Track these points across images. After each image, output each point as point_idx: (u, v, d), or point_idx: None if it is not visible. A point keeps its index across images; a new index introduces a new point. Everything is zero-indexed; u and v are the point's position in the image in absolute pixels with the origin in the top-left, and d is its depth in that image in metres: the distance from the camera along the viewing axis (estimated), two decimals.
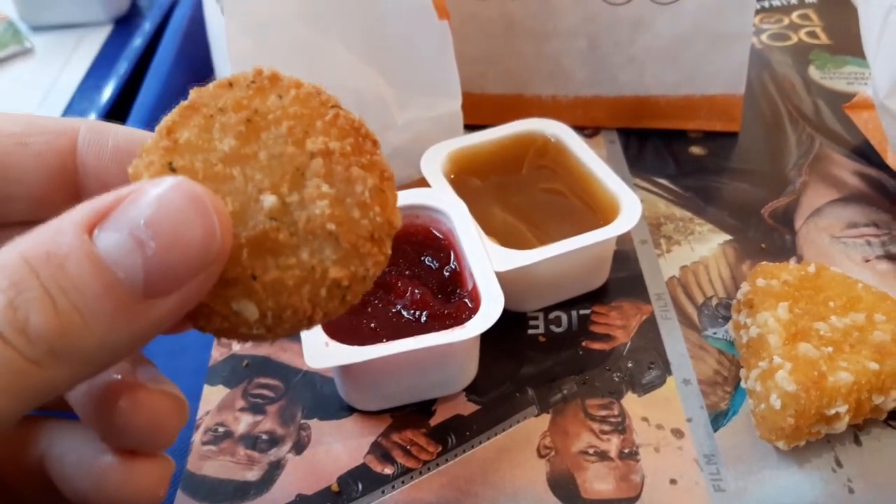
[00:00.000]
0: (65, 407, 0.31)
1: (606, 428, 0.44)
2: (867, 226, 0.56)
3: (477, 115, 0.60)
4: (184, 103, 0.28)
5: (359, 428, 0.45)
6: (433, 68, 0.54)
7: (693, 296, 0.52)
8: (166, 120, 0.27)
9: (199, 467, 0.43)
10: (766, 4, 0.84)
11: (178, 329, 0.30)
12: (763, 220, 0.57)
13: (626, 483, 0.42)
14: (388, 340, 0.42)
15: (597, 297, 0.52)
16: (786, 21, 0.81)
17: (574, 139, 0.54)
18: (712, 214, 0.58)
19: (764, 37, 0.78)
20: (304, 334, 0.41)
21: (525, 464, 0.43)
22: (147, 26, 0.85)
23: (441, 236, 0.49)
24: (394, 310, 0.45)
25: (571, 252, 0.46)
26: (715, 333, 0.49)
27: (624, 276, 0.53)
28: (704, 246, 0.56)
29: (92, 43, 0.86)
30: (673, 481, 0.42)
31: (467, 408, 0.46)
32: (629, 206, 0.49)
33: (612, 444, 0.44)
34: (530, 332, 0.50)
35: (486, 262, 0.45)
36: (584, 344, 0.49)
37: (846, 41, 0.76)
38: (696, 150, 0.65)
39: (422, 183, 0.51)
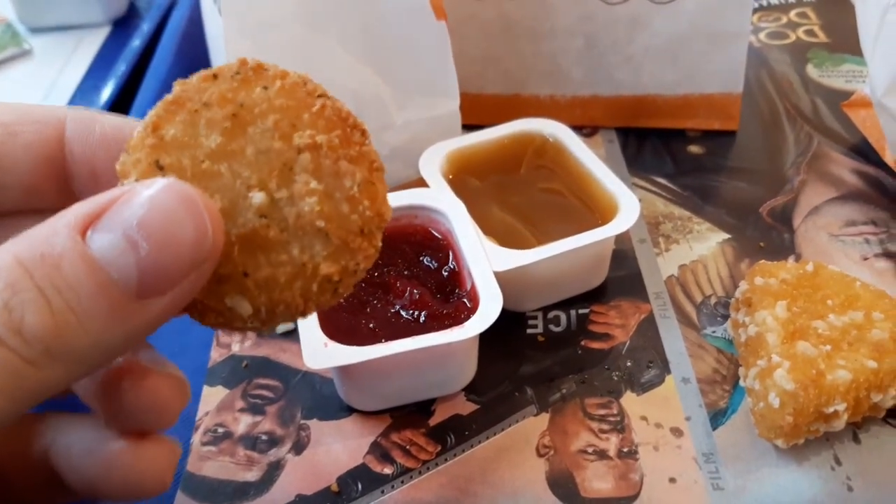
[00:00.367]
0: (66, 394, 0.31)
1: (605, 427, 0.44)
2: (865, 224, 0.56)
3: (475, 115, 0.60)
4: (168, 97, 0.27)
5: (358, 428, 0.45)
6: (431, 68, 0.54)
7: (692, 294, 0.52)
8: (151, 115, 0.27)
9: (198, 468, 0.44)
10: (765, 3, 0.84)
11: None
12: (761, 219, 0.57)
13: (626, 482, 0.42)
14: (386, 341, 0.42)
15: (595, 296, 0.52)
16: (784, 19, 0.81)
17: (572, 139, 0.54)
18: (711, 213, 0.58)
19: (762, 35, 0.78)
20: (304, 335, 0.42)
21: (524, 463, 0.43)
22: (145, 27, 0.85)
23: (440, 236, 0.49)
24: (392, 310, 0.45)
25: (570, 251, 0.47)
26: (714, 332, 0.49)
27: (622, 276, 0.53)
28: (703, 245, 0.56)
29: (90, 44, 0.86)
30: (672, 480, 0.42)
31: (466, 407, 0.46)
32: (627, 205, 0.49)
33: (611, 443, 0.44)
34: (529, 331, 0.50)
35: (485, 261, 0.45)
36: (582, 343, 0.49)
37: (844, 39, 0.76)
38: (694, 148, 0.65)
39: (420, 183, 0.51)
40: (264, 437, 0.45)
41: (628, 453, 0.43)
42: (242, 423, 0.46)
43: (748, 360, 0.45)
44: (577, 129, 0.57)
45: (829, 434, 0.43)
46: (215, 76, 0.27)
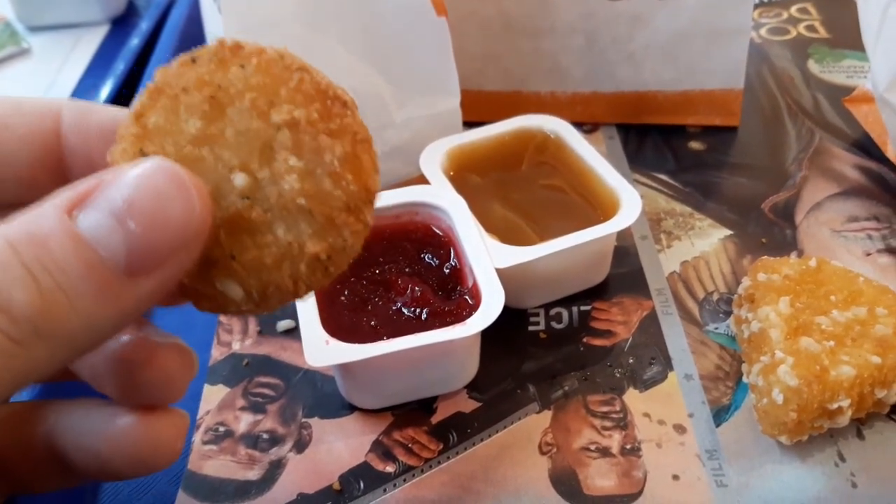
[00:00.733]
0: (67, 377, 0.31)
1: (608, 424, 0.44)
2: (868, 219, 0.56)
3: (476, 112, 0.60)
4: (150, 85, 0.27)
5: (360, 426, 0.45)
6: (431, 66, 0.54)
7: (694, 291, 0.52)
8: (135, 104, 0.27)
9: (199, 467, 0.43)
10: None
11: (171, 304, 0.31)
12: (763, 215, 0.57)
13: (629, 479, 0.42)
14: (388, 338, 0.42)
15: (597, 292, 0.52)
16: (785, 15, 0.81)
17: (573, 135, 0.54)
18: (712, 209, 0.58)
19: (763, 31, 0.78)
20: (305, 333, 0.41)
21: (527, 461, 0.43)
22: (144, 26, 0.85)
23: (441, 233, 0.49)
24: (394, 307, 0.45)
25: (572, 248, 0.46)
26: (716, 328, 0.49)
27: (624, 272, 0.53)
28: (705, 241, 0.55)
29: (89, 43, 0.86)
30: (675, 477, 0.42)
31: (468, 405, 0.46)
32: (629, 201, 0.49)
33: (614, 441, 0.43)
34: (531, 328, 0.50)
35: (487, 258, 0.45)
36: (584, 340, 0.49)
37: (845, 35, 0.76)
38: (695, 145, 0.65)
39: (421, 180, 0.51)
40: (265, 436, 0.45)
41: (631, 450, 0.43)
42: (243, 422, 0.45)
43: (751, 357, 0.44)
44: (578, 125, 0.57)
45: (832, 430, 0.43)
46: (194, 60, 0.27)
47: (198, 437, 0.45)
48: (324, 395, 0.47)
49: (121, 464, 0.30)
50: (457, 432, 0.44)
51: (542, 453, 0.43)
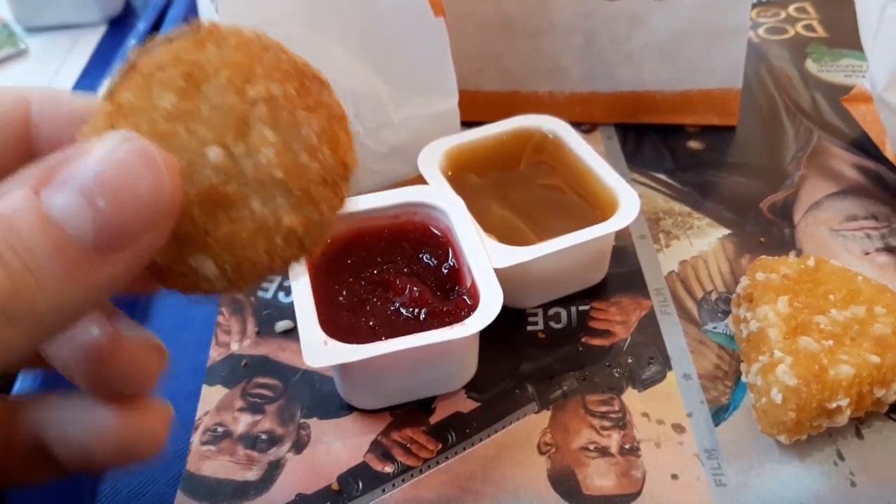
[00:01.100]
0: (41, 364, 0.31)
1: (607, 424, 0.44)
2: (866, 219, 0.56)
3: (474, 112, 0.59)
4: (124, 65, 0.27)
5: (358, 426, 0.45)
6: (429, 66, 0.54)
7: (692, 290, 0.52)
8: (108, 84, 0.26)
9: (198, 467, 0.43)
10: None
11: (143, 288, 0.31)
12: (762, 214, 0.57)
13: (627, 479, 0.42)
14: (386, 338, 0.42)
15: (596, 292, 0.52)
16: (783, 14, 0.81)
17: (572, 135, 0.54)
18: (711, 209, 0.58)
19: (761, 31, 0.78)
20: (303, 333, 0.41)
21: (525, 461, 0.43)
22: (141, 27, 0.84)
23: (439, 233, 0.49)
24: (392, 308, 0.45)
25: (570, 248, 0.46)
26: (715, 328, 0.49)
27: (623, 272, 0.53)
28: (703, 240, 0.55)
29: (87, 44, 0.86)
30: (674, 476, 0.42)
31: (467, 405, 0.46)
32: (627, 201, 0.49)
33: (613, 440, 0.43)
34: (529, 328, 0.50)
35: (485, 258, 0.45)
36: (583, 340, 0.49)
37: (843, 34, 0.76)
38: (693, 144, 0.65)
39: (419, 180, 0.51)
40: (264, 437, 0.45)
41: (630, 450, 0.43)
42: (242, 423, 0.45)
43: (750, 356, 0.44)
44: (577, 125, 0.56)
45: (831, 429, 0.43)
46: (170, 40, 0.27)
47: (196, 438, 0.45)
48: (322, 396, 0.47)
49: (105, 457, 0.30)
50: (455, 432, 0.44)
51: (541, 453, 0.43)
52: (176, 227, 0.25)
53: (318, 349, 0.41)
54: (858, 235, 0.55)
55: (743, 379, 0.46)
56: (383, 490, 0.42)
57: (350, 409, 0.46)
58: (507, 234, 0.48)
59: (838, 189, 0.59)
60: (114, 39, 0.86)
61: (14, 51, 0.84)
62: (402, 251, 0.48)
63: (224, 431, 0.45)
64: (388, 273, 0.47)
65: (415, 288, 0.45)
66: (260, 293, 0.53)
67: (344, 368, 0.44)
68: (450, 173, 0.53)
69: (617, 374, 0.47)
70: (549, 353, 0.48)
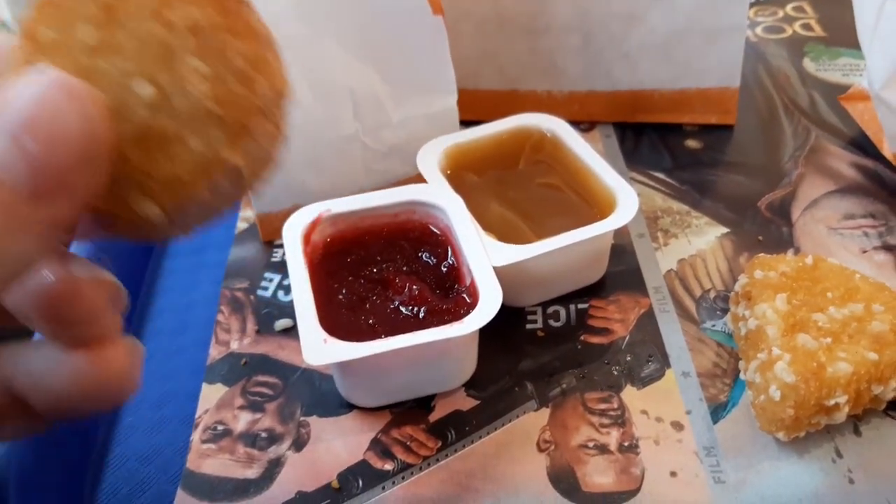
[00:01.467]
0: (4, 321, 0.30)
1: (606, 421, 0.44)
2: (864, 217, 0.56)
3: (472, 111, 0.60)
4: (38, 1, 0.26)
5: (358, 424, 0.45)
6: (428, 65, 0.54)
7: (691, 289, 0.52)
8: (25, 21, 0.25)
9: (198, 465, 0.43)
10: None
11: (93, 234, 0.29)
12: (760, 213, 0.57)
13: (627, 476, 0.42)
14: (386, 337, 0.42)
15: (595, 290, 0.52)
16: (780, 13, 0.81)
17: (570, 134, 0.54)
18: (709, 207, 0.58)
19: (758, 30, 0.78)
20: (303, 332, 0.41)
21: (525, 458, 0.43)
22: None
23: (438, 232, 0.49)
24: (392, 306, 0.45)
25: (569, 246, 0.46)
26: (713, 326, 0.49)
27: (621, 270, 0.53)
28: (701, 239, 0.56)
29: None
30: (673, 474, 0.42)
31: (466, 403, 0.46)
32: (626, 199, 0.49)
33: (612, 438, 0.43)
34: (528, 326, 0.50)
35: (484, 257, 0.45)
36: (582, 338, 0.49)
37: (841, 33, 0.76)
38: (691, 143, 0.65)
39: (418, 179, 0.51)
40: (264, 435, 0.45)
41: (629, 447, 0.43)
42: (242, 421, 0.46)
43: (748, 354, 0.45)
44: (575, 124, 0.57)
45: (830, 427, 0.43)
46: None
47: (196, 436, 0.45)
48: (322, 394, 0.47)
49: (80, 401, 0.29)
50: (455, 430, 0.45)
51: (541, 451, 0.43)
52: (113, 170, 0.24)
53: (318, 347, 0.41)
54: (856, 234, 0.55)
55: (741, 376, 0.46)
56: (383, 488, 0.42)
57: (350, 407, 0.46)
58: (506, 233, 0.48)
59: (836, 187, 0.59)
60: None
61: None
62: (401, 250, 0.48)
63: (224, 429, 0.45)
64: (387, 271, 0.47)
65: (414, 286, 0.45)
66: (259, 292, 0.53)
67: (344, 366, 0.44)
68: (449, 172, 0.53)
69: (616, 372, 0.47)
70: (549, 351, 0.48)
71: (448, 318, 0.43)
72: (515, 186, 0.53)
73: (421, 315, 0.44)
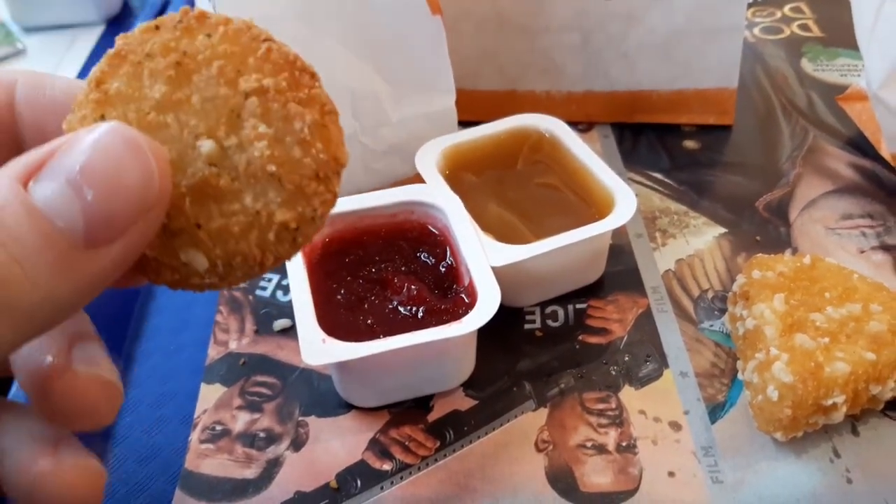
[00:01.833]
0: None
1: (604, 421, 0.44)
2: (862, 217, 0.56)
3: (471, 111, 0.60)
4: (111, 52, 0.26)
5: (357, 424, 0.45)
6: (427, 65, 0.54)
7: (689, 289, 0.52)
8: (94, 71, 0.26)
9: (196, 466, 0.43)
10: None
11: (131, 282, 0.30)
12: (757, 213, 0.57)
13: (625, 476, 0.42)
14: (385, 337, 0.42)
15: (593, 291, 0.52)
16: (778, 14, 0.81)
17: (568, 134, 0.54)
18: (707, 208, 0.58)
19: (756, 30, 0.79)
20: (301, 332, 0.41)
21: (523, 458, 0.43)
22: None
23: (437, 232, 0.49)
24: (390, 306, 0.45)
25: (567, 246, 0.47)
26: (711, 326, 0.49)
27: (620, 270, 0.53)
28: (699, 239, 0.56)
29: (84, 43, 0.86)
30: (671, 474, 0.42)
31: (465, 403, 0.46)
32: (624, 200, 0.49)
33: (610, 438, 0.44)
34: (527, 326, 0.50)
35: (482, 257, 0.45)
36: (580, 338, 0.49)
37: (839, 33, 0.76)
38: (689, 143, 0.65)
39: (417, 179, 0.51)
40: (262, 435, 0.45)
41: (627, 447, 0.43)
42: (240, 421, 0.46)
43: (746, 354, 0.45)
44: (573, 124, 0.57)
45: (827, 426, 0.43)
46: (157, 27, 0.27)
47: (195, 436, 0.45)
48: (320, 394, 0.47)
49: (30, 498, 0.29)
50: (453, 430, 0.45)
51: (539, 451, 0.43)
52: (167, 220, 0.25)
53: (317, 347, 0.41)
54: (854, 234, 0.55)
55: (739, 376, 0.46)
56: (381, 488, 0.42)
57: (348, 407, 0.46)
58: (504, 233, 0.48)
59: (834, 188, 0.59)
60: (111, 39, 0.86)
61: (11, 50, 0.84)
62: (400, 250, 0.48)
63: (222, 430, 0.45)
64: (386, 271, 0.47)
65: (413, 286, 0.45)
66: (258, 292, 0.53)
67: (342, 366, 0.44)
68: (447, 172, 0.53)
69: (614, 372, 0.47)
70: (547, 351, 0.48)
71: (446, 318, 0.43)
72: (514, 187, 0.53)
73: (419, 315, 0.44)
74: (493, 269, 0.45)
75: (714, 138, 0.65)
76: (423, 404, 0.46)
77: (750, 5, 0.82)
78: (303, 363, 0.44)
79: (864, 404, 0.42)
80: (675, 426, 0.44)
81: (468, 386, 0.47)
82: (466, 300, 0.44)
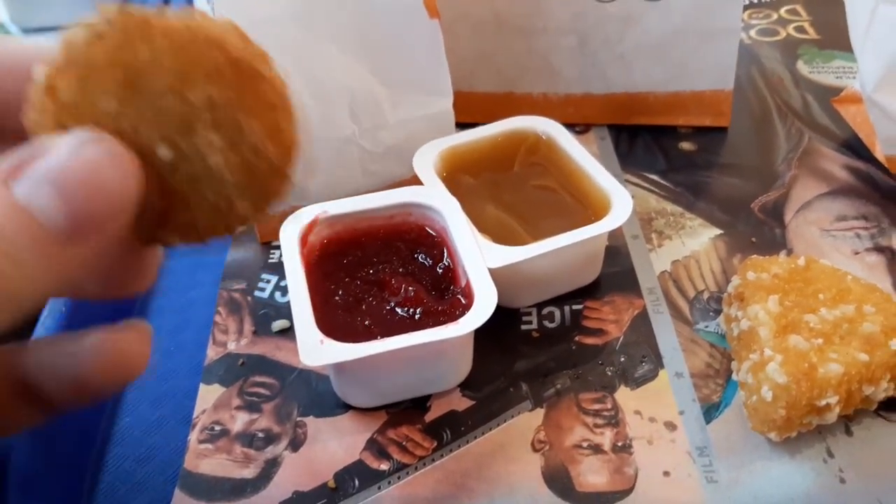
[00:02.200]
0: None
1: (600, 421, 0.45)
2: (856, 219, 0.56)
3: (468, 113, 0.60)
4: (58, 59, 0.27)
5: (354, 425, 0.45)
6: (424, 67, 0.55)
7: (684, 290, 0.52)
8: (45, 76, 0.27)
9: (195, 465, 0.44)
10: (755, 0, 0.84)
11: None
12: (753, 214, 0.58)
13: (620, 476, 0.42)
14: (382, 338, 0.42)
15: (589, 292, 0.52)
16: (774, 16, 0.81)
17: (565, 136, 0.55)
18: (703, 209, 0.59)
19: (752, 32, 0.79)
20: (299, 333, 0.42)
21: (520, 458, 0.43)
22: None
23: (434, 234, 0.49)
24: (388, 307, 0.45)
25: (563, 248, 0.47)
26: (706, 327, 0.50)
27: (616, 271, 0.54)
28: (695, 240, 0.56)
29: None
30: (666, 473, 0.42)
31: (462, 403, 0.46)
32: (620, 201, 0.49)
33: (606, 438, 0.44)
34: (523, 327, 0.50)
35: (479, 258, 0.45)
36: (576, 339, 0.49)
37: (834, 36, 0.77)
38: (686, 145, 0.65)
39: (414, 181, 0.52)
40: (261, 435, 0.45)
41: (622, 447, 0.43)
42: (239, 421, 0.46)
43: (741, 355, 0.45)
44: (570, 126, 0.57)
45: (821, 427, 0.43)
46: (100, 37, 0.27)
47: (194, 436, 0.45)
48: (318, 395, 0.47)
49: (97, 381, 0.31)
50: (450, 430, 0.45)
51: (535, 451, 0.44)
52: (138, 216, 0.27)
53: (315, 348, 0.41)
54: (848, 235, 0.55)
55: (734, 377, 0.46)
56: (379, 487, 0.42)
57: (346, 407, 0.46)
58: (501, 235, 0.48)
59: (829, 189, 0.59)
60: None
61: None
62: (397, 251, 0.49)
63: (221, 430, 0.45)
64: (383, 273, 0.47)
65: (410, 287, 0.45)
66: (257, 293, 0.53)
67: (340, 367, 0.44)
68: (444, 174, 0.53)
69: (610, 373, 0.47)
70: (543, 352, 0.49)
71: (444, 319, 0.44)
72: (510, 188, 0.53)
73: (417, 316, 0.44)
74: (490, 270, 0.45)
75: (710, 140, 0.66)
76: (420, 405, 0.46)
77: (746, 7, 0.82)
78: (301, 364, 0.44)
79: (857, 405, 0.42)
80: (671, 426, 0.44)
81: (465, 386, 0.47)
82: (463, 301, 0.45)
